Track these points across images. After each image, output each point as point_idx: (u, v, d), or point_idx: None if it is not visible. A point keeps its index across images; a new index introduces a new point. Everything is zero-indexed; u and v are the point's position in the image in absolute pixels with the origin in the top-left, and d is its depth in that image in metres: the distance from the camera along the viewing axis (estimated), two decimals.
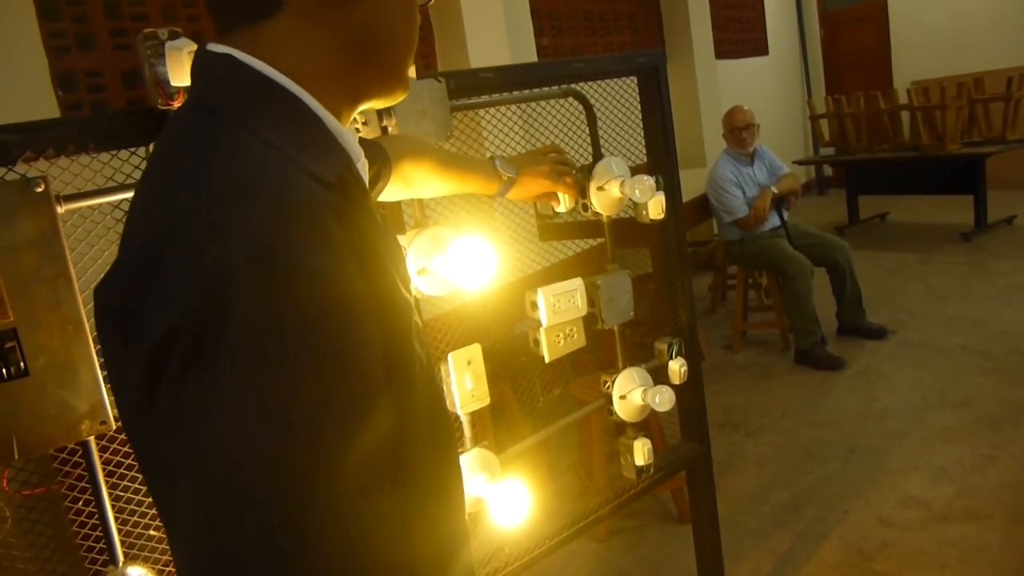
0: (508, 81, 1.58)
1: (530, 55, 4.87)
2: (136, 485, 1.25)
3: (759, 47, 8.47)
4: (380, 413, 0.59)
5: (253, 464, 0.52)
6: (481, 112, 1.84)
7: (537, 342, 1.56)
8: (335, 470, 0.55)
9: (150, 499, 1.29)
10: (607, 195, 1.57)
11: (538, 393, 3.38)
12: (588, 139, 1.72)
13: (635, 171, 1.62)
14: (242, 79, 0.63)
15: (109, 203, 1.12)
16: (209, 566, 0.54)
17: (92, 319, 1.05)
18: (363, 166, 0.72)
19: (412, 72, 0.76)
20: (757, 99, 6.19)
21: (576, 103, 1.72)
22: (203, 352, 0.51)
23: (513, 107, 2.00)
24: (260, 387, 0.52)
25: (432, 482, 0.70)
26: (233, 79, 0.64)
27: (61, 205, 1.03)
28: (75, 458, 1.22)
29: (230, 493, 0.52)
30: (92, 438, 1.08)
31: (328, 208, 0.60)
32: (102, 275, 0.61)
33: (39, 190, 0.99)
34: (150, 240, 0.57)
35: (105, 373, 0.80)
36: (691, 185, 4.58)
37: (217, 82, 0.64)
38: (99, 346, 0.68)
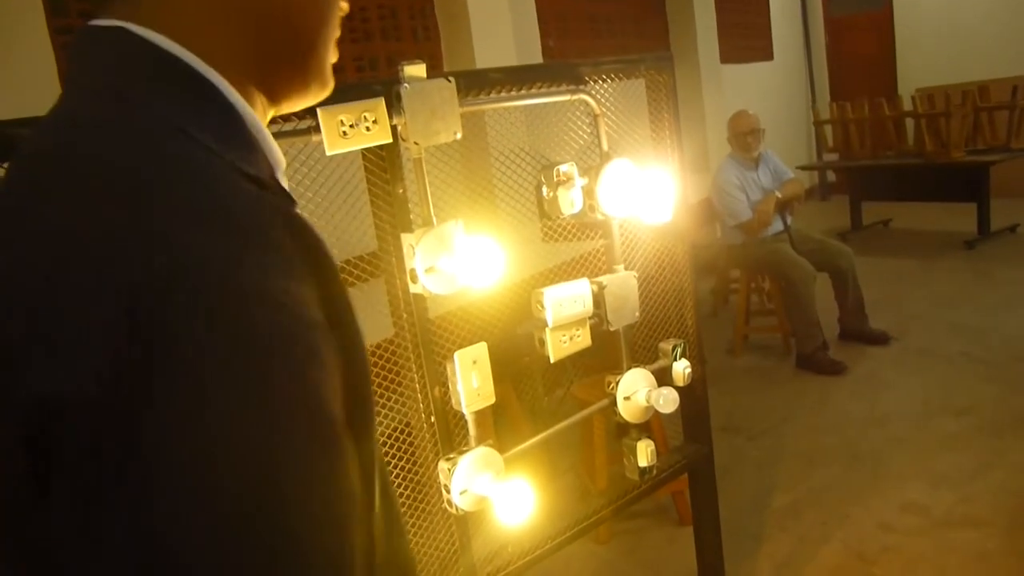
0: (516, 80, 1.59)
1: (536, 56, 4.88)
2: None
3: (764, 52, 8.47)
4: (344, 458, 0.48)
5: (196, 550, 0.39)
6: (486, 111, 1.85)
7: (543, 342, 1.57)
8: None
9: None
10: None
11: (540, 394, 3.38)
12: (591, 137, 1.73)
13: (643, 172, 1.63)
14: (142, 57, 0.51)
15: None
16: None
17: None
18: (283, 177, 0.61)
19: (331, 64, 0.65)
20: (762, 104, 6.19)
21: (580, 101, 1.73)
22: (115, 431, 0.38)
23: (519, 106, 2.00)
24: (203, 447, 0.39)
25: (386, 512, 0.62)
26: (130, 57, 0.51)
27: None
28: None
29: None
30: None
31: (268, 207, 0.49)
32: None
33: None
34: (12, 271, 0.42)
35: None
36: (695, 189, 4.58)
37: (109, 61, 0.52)
38: None
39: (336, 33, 0.63)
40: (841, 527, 2.67)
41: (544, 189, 1.59)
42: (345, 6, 0.63)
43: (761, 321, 4.78)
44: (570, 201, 1.58)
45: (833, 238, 4.66)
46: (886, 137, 6.70)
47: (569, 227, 1.85)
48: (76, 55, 0.54)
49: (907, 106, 6.56)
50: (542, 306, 1.54)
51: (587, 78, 1.72)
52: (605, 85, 1.76)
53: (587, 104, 1.72)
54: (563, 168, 1.57)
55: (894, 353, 4.17)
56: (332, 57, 0.63)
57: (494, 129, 1.89)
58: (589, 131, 1.76)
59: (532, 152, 1.80)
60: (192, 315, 0.40)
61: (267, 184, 0.53)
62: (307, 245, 0.50)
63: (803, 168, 7.57)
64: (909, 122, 6.52)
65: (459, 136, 1.37)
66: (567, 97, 1.67)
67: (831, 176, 8.97)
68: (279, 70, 0.59)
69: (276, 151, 0.58)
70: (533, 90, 1.63)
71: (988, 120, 6.22)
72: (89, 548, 0.39)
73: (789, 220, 4.35)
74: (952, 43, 8.18)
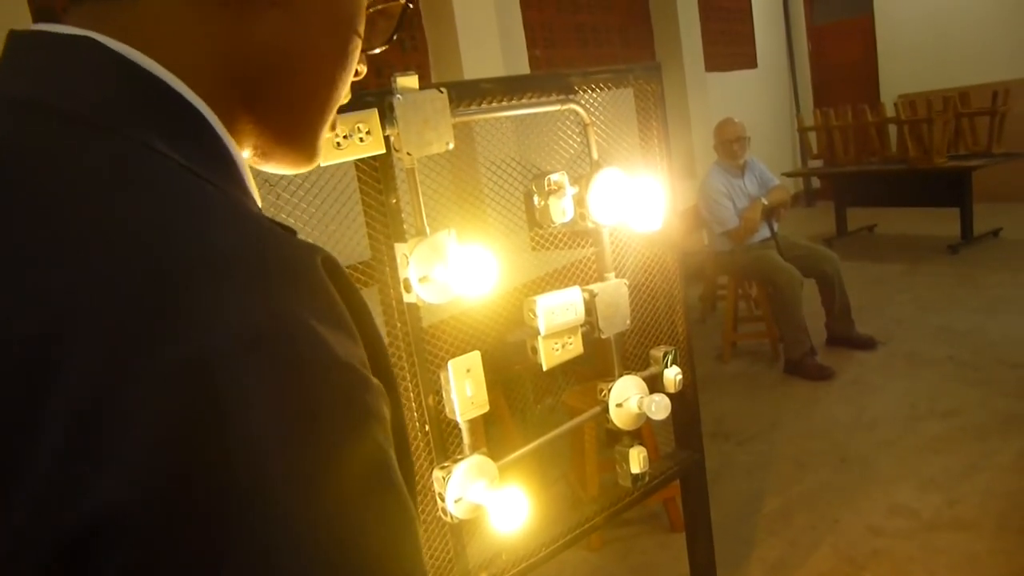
0: (507, 91, 1.60)
1: (523, 66, 4.90)
2: None
3: (748, 60, 8.55)
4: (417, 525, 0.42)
5: None
6: (475, 122, 1.86)
7: (535, 350, 1.58)
8: None
9: None
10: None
11: (531, 402, 3.39)
12: (581, 146, 1.74)
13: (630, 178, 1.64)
14: (121, 78, 0.42)
15: None
16: None
17: None
18: None
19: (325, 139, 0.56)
20: (746, 111, 6.24)
21: (570, 111, 1.74)
22: (177, 547, 0.31)
23: (509, 116, 2.02)
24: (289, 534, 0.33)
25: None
26: (108, 78, 0.42)
27: None
28: None
29: None
30: None
31: (306, 251, 0.41)
32: None
33: None
34: (32, 344, 0.33)
35: None
36: (682, 196, 4.61)
37: (81, 80, 0.42)
38: None
39: (342, 100, 0.54)
40: (831, 531, 2.69)
41: (535, 198, 1.60)
42: (363, 69, 0.55)
43: (749, 327, 4.81)
44: (561, 210, 1.59)
45: (819, 244, 4.70)
46: (869, 143, 6.77)
47: (559, 235, 1.86)
48: (22, 65, 0.43)
49: (890, 112, 6.64)
50: (534, 314, 1.55)
51: (577, 88, 1.73)
52: (594, 95, 1.78)
53: (577, 114, 1.74)
54: (554, 177, 1.58)
55: (880, 358, 4.21)
56: (327, 131, 0.54)
57: (483, 139, 1.90)
58: (579, 140, 1.78)
59: (521, 161, 1.81)
60: (266, 381, 0.33)
61: (292, 231, 0.44)
62: (345, 289, 0.42)
63: (788, 175, 7.64)
64: (892, 128, 6.60)
65: (451, 146, 1.38)
66: (557, 107, 1.69)
67: (816, 182, 9.04)
68: (266, 129, 0.50)
69: (254, 195, 0.49)
70: (524, 100, 1.64)
71: (969, 126, 6.30)
72: None
73: (776, 226, 4.39)
74: (933, 50, 8.28)
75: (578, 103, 1.71)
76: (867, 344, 4.33)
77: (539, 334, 1.56)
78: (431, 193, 1.56)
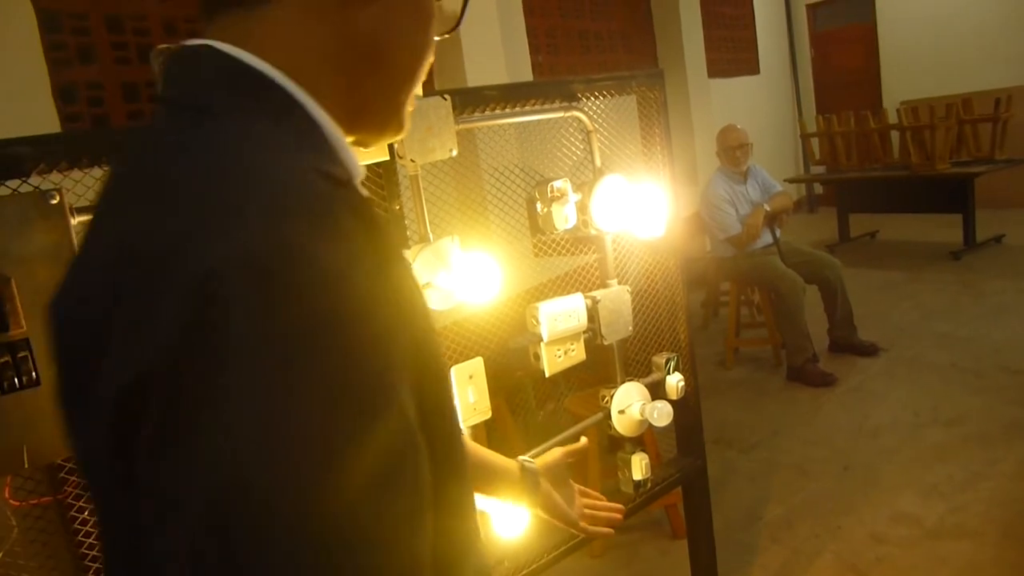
0: (510, 98, 1.61)
1: (526, 72, 4.91)
2: None
3: (751, 66, 8.56)
4: (405, 422, 0.50)
5: (257, 500, 0.42)
6: (478, 128, 1.86)
7: (538, 356, 1.58)
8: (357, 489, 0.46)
9: None
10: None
11: (533, 408, 3.39)
12: (583, 153, 1.74)
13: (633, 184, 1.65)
14: (228, 72, 0.54)
15: None
16: None
17: None
18: (360, 188, 0.62)
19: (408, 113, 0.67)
20: (749, 118, 6.25)
21: (573, 118, 1.74)
22: (188, 393, 0.43)
23: (512, 123, 2.02)
24: (263, 420, 0.43)
25: (448, 492, 0.61)
26: (216, 73, 0.55)
27: (74, 217, 1.04)
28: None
29: (233, 527, 0.43)
30: None
31: (341, 201, 0.51)
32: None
33: (54, 202, 1.01)
34: (111, 261, 0.48)
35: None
36: (685, 202, 4.61)
37: (195, 78, 0.55)
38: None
39: (423, 73, 0.65)
40: (834, 539, 2.68)
41: (538, 205, 1.60)
42: (432, 59, 0.66)
43: (751, 334, 4.81)
44: (564, 216, 1.60)
45: (821, 250, 4.70)
46: (872, 150, 6.77)
47: (561, 242, 1.86)
48: (166, 73, 0.57)
49: (892, 119, 6.64)
50: (537, 321, 1.55)
51: (580, 95, 1.74)
52: (597, 101, 1.78)
53: (580, 120, 1.74)
54: (557, 184, 1.58)
55: (883, 364, 4.20)
56: (410, 105, 0.66)
57: (486, 145, 1.91)
58: (581, 147, 1.78)
59: (524, 168, 1.81)
60: (260, 289, 0.43)
61: (344, 184, 0.56)
62: (371, 232, 0.53)
63: (790, 181, 7.64)
64: (894, 135, 6.60)
65: (455, 153, 1.39)
66: (561, 114, 1.69)
67: (818, 189, 9.05)
68: (362, 102, 0.61)
69: (355, 162, 0.60)
70: (527, 107, 1.64)
71: (972, 132, 6.30)
72: (173, 476, 0.44)
73: (778, 233, 4.39)
74: (936, 56, 8.29)
75: (581, 110, 1.72)
76: (870, 351, 4.32)
77: (542, 340, 1.56)
78: (434, 200, 1.56)
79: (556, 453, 1.21)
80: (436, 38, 0.66)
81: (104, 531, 0.55)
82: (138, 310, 0.45)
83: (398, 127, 0.65)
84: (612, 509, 1.24)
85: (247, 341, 0.43)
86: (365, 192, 0.66)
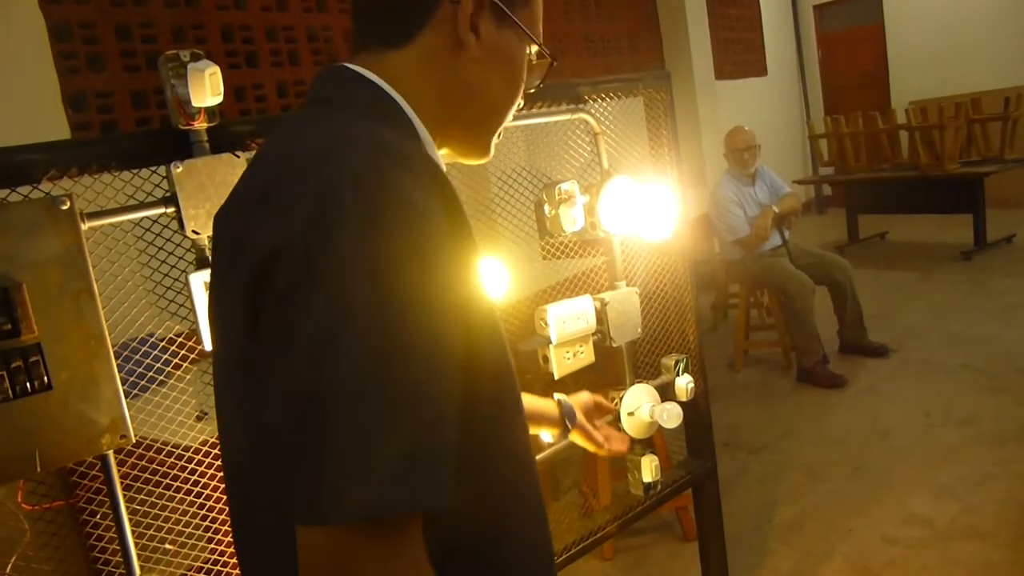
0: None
1: None
2: (152, 499, 1.26)
3: (758, 68, 8.54)
4: (460, 324, 0.66)
5: (357, 331, 0.58)
6: None
7: (547, 359, 1.58)
8: (429, 346, 0.61)
9: (166, 512, 1.31)
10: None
11: None
12: (591, 155, 1.75)
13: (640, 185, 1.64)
14: (356, 82, 0.75)
15: (130, 220, 1.15)
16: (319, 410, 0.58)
17: (113, 334, 1.07)
18: None
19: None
20: (756, 119, 6.23)
21: (580, 120, 1.75)
22: (313, 254, 0.59)
23: (520, 126, 2.03)
24: (365, 270, 0.59)
25: (503, 440, 0.77)
26: (348, 81, 0.76)
27: (85, 223, 1.05)
28: (93, 471, 1.23)
29: (337, 366, 0.58)
30: (111, 452, 1.10)
31: (426, 161, 0.68)
32: (223, 205, 0.75)
33: (64, 208, 1.02)
34: (265, 177, 0.68)
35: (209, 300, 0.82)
36: (692, 204, 4.60)
37: (333, 82, 0.76)
38: (211, 267, 0.77)
39: (508, 115, 0.85)
40: (844, 540, 2.67)
41: (546, 207, 1.60)
42: (521, 101, 0.85)
43: (761, 336, 4.80)
44: (572, 219, 1.60)
45: (830, 251, 4.68)
46: (881, 150, 6.74)
47: (570, 244, 1.86)
48: (314, 82, 0.78)
49: (901, 119, 6.61)
50: (546, 323, 1.55)
51: (587, 97, 1.74)
52: (604, 104, 1.78)
53: (587, 123, 1.74)
54: (564, 186, 1.59)
55: (894, 365, 4.18)
56: (497, 138, 0.86)
57: (493, 148, 1.91)
58: (589, 149, 1.78)
59: (531, 171, 1.81)
60: (362, 199, 0.61)
61: (429, 160, 0.70)
62: (444, 192, 0.68)
63: (799, 182, 7.62)
64: (903, 135, 6.57)
65: (485, 161, 1.39)
66: (568, 116, 1.70)
67: (827, 190, 9.02)
68: (455, 131, 0.81)
69: (438, 159, 0.79)
70: (534, 110, 1.65)
71: (981, 132, 6.27)
72: (284, 337, 0.60)
73: (787, 234, 4.37)
74: (945, 56, 8.25)
75: (588, 112, 1.72)
76: (880, 352, 4.30)
77: (550, 343, 1.56)
78: None
79: (585, 396, 1.41)
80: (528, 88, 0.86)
81: (221, 400, 0.76)
82: (279, 205, 0.63)
83: (484, 152, 0.85)
84: (620, 439, 1.44)
85: (354, 225, 0.59)
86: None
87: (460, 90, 0.78)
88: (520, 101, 0.85)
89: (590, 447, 1.38)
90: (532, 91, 0.89)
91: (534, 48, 0.84)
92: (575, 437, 1.36)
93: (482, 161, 0.86)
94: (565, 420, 1.32)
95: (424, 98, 0.76)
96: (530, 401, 1.27)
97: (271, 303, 0.61)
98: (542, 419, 1.30)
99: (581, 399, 1.39)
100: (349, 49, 0.81)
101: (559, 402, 1.33)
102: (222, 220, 0.73)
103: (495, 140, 0.85)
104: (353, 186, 0.61)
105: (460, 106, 0.79)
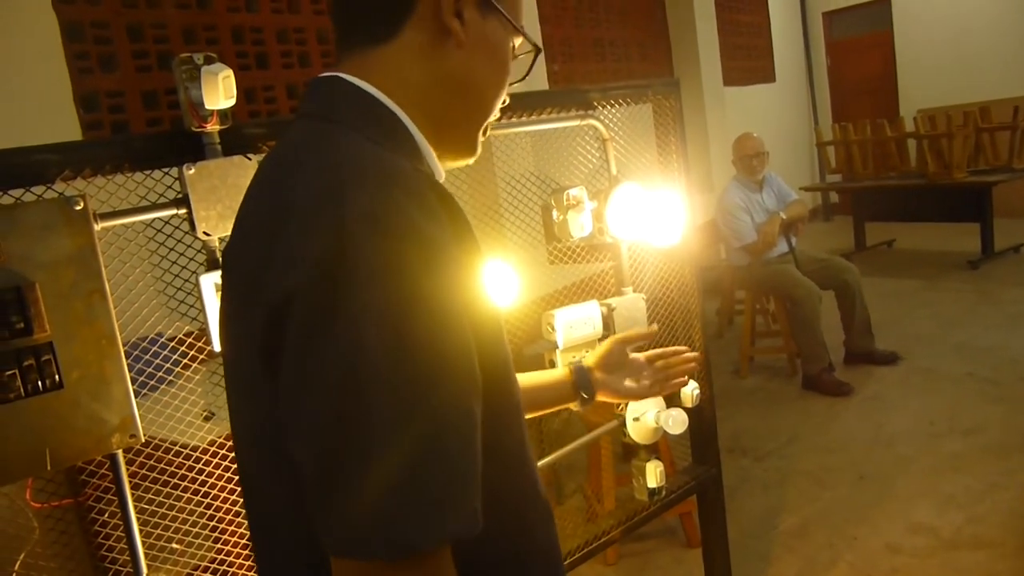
0: (526, 106, 1.62)
1: (541, 81, 4.93)
2: (160, 498, 1.27)
3: (766, 74, 8.54)
4: (471, 349, 0.66)
5: (378, 372, 0.59)
6: (494, 136, 1.88)
7: (553, 363, 1.58)
8: (448, 376, 0.62)
9: (173, 512, 1.31)
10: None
11: (548, 415, 3.38)
12: (599, 161, 1.75)
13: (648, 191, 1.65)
14: (348, 94, 0.74)
15: (142, 221, 1.15)
16: (342, 448, 0.59)
17: (123, 334, 1.07)
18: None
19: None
20: (764, 126, 6.24)
21: (589, 126, 1.75)
22: (330, 299, 0.60)
23: (528, 131, 2.03)
24: (380, 314, 0.60)
25: (506, 445, 0.77)
26: (340, 95, 0.75)
27: (98, 223, 1.06)
28: (102, 470, 1.24)
29: (359, 403, 0.59)
30: (120, 451, 1.10)
31: (430, 182, 0.69)
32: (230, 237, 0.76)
33: (78, 208, 1.02)
34: (276, 213, 0.66)
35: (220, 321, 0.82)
36: (700, 210, 4.61)
37: (325, 97, 0.76)
38: (221, 300, 0.78)
39: (494, 111, 0.83)
40: (849, 548, 2.67)
41: (554, 212, 1.61)
42: (506, 97, 0.84)
43: (767, 342, 4.79)
44: (580, 224, 1.60)
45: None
46: (889, 158, 6.73)
47: (577, 249, 1.87)
48: (306, 94, 0.78)
49: (909, 127, 6.60)
50: (552, 328, 1.55)
51: (596, 103, 1.74)
52: (613, 110, 1.79)
53: (595, 129, 1.75)
54: (573, 192, 1.59)
55: (899, 373, 4.18)
56: (483, 135, 0.84)
57: (501, 153, 1.92)
58: (597, 155, 1.79)
59: (539, 176, 1.82)
60: (374, 235, 0.61)
61: (430, 177, 0.71)
62: (450, 211, 0.69)
63: (806, 189, 7.61)
64: (911, 143, 6.56)
65: (471, 161, 1.39)
66: (576, 122, 1.70)
67: (834, 197, 9.00)
68: (446, 126, 0.80)
69: (439, 168, 0.81)
70: (543, 116, 1.65)
71: (990, 140, 6.25)
72: (305, 370, 0.61)
73: (794, 241, 4.37)
74: (953, 65, 8.24)
75: (597, 118, 1.73)
76: (890, 359, 4.29)
77: (557, 348, 1.57)
78: None
79: (607, 343, 1.32)
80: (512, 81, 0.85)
81: (240, 434, 0.77)
82: (292, 245, 0.62)
83: (472, 150, 0.84)
84: (686, 359, 1.35)
85: (369, 263, 0.60)
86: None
87: (448, 83, 0.77)
88: (506, 97, 0.84)
89: (634, 400, 1.30)
90: (516, 83, 0.88)
91: (518, 41, 0.83)
92: (608, 397, 1.27)
93: (469, 161, 0.85)
94: (580, 392, 1.23)
95: (415, 97, 0.76)
96: (536, 377, 1.23)
97: (290, 348, 0.62)
98: (552, 394, 1.22)
99: (601, 351, 1.30)
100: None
101: (572, 370, 1.25)
102: (234, 257, 0.74)
103: (481, 138, 0.84)
104: (368, 229, 0.61)
105: (449, 100, 0.78)
